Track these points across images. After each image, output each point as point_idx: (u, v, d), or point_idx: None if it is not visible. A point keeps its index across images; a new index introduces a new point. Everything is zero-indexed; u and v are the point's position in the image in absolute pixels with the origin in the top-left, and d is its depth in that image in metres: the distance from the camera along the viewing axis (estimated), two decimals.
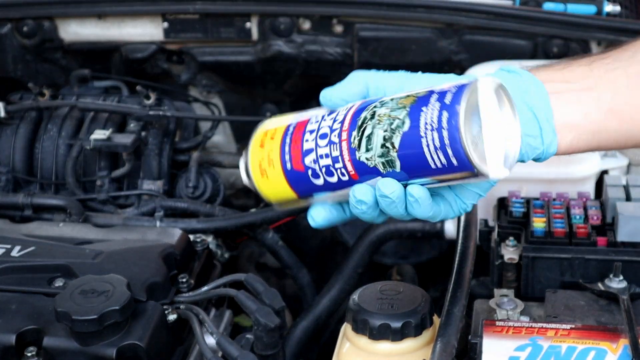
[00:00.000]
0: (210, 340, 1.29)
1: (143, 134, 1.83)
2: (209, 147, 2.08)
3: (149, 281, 1.33)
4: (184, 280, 1.40)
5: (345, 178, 0.91)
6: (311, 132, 0.93)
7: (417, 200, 0.90)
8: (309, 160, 0.92)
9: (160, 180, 1.83)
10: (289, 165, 0.94)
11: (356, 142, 0.89)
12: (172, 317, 1.33)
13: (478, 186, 0.95)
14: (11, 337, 1.21)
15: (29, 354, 1.20)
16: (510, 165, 0.88)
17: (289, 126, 0.96)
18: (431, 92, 0.86)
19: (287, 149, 0.94)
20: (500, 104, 0.88)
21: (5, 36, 2.09)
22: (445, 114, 0.82)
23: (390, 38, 2.02)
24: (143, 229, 1.60)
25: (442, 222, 1.76)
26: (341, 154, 0.90)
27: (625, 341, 1.09)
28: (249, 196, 2.20)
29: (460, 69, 1.99)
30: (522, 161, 0.95)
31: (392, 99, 0.88)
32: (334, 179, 0.92)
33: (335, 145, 0.90)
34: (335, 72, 2.05)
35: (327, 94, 0.95)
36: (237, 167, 2.00)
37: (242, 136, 2.22)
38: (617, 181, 1.48)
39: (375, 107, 0.89)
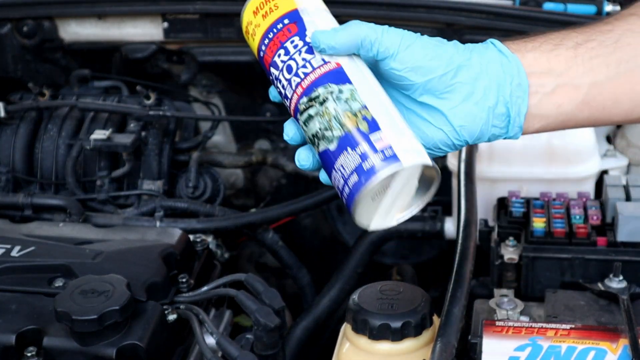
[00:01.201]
0: (210, 340, 1.29)
1: (143, 134, 1.83)
2: (209, 147, 2.08)
3: (149, 281, 1.33)
4: (184, 280, 1.40)
5: (289, 112, 0.96)
6: (286, 52, 0.94)
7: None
8: (273, 71, 0.96)
9: (160, 180, 1.83)
10: (262, 54, 0.97)
11: (302, 108, 0.92)
12: (172, 317, 1.33)
13: None
14: (11, 337, 1.21)
15: (29, 354, 1.20)
16: (397, 222, 0.93)
17: (280, 19, 0.96)
18: (367, 135, 0.87)
19: (265, 44, 0.96)
20: (423, 179, 0.91)
21: (5, 36, 2.09)
22: (354, 178, 0.87)
23: None
24: (143, 229, 1.60)
25: (442, 222, 1.76)
26: (291, 101, 0.93)
27: (625, 341, 1.09)
28: (249, 196, 2.20)
29: None
30: (486, 141, 0.97)
31: (347, 99, 0.90)
32: (284, 101, 0.96)
33: (290, 90, 0.93)
34: None
35: (318, 38, 0.92)
36: (237, 167, 2.03)
37: (242, 136, 2.22)
38: (617, 181, 1.48)
39: (331, 92, 0.90)
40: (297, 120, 0.93)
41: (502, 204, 1.50)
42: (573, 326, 1.13)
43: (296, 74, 0.93)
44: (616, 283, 1.25)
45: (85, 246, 1.45)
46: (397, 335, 1.14)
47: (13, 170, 1.83)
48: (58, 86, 2.11)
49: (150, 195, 1.80)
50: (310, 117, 0.91)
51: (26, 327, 1.23)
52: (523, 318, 1.23)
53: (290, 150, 2.15)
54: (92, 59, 2.16)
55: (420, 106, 0.93)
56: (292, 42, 0.94)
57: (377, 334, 1.14)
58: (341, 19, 0.97)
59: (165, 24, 2.08)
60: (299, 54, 0.93)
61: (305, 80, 0.92)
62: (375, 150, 0.87)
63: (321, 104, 0.90)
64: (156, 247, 1.43)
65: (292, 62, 0.93)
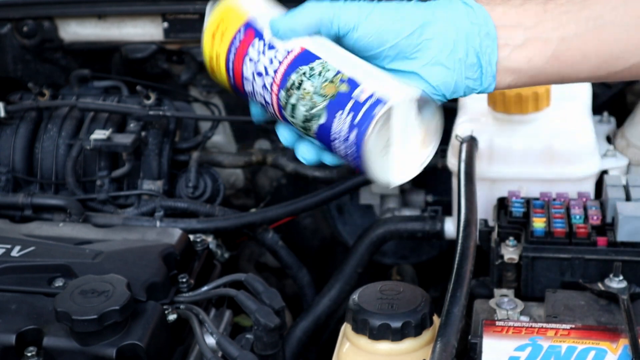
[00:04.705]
0: (210, 340, 1.29)
1: (143, 134, 1.83)
2: (209, 147, 2.08)
3: (149, 281, 1.33)
4: (184, 280, 1.40)
5: (277, 117, 0.96)
6: (251, 60, 0.94)
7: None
8: (247, 88, 0.95)
9: (160, 180, 1.83)
10: (232, 81, 0.97)
11: (283, 102, 0.92)
12: (172, 317, 1.33)
13: None
14: (11, 337, 1.21)
15: (29, 354, 1.20)
16: (421, 167, 0.93)
17: (237, 32, 0.95)
18: (350, 94, 0.88)
19: (230, 65, 0.96)
20: (422, 111, 0.91)
21: (5, 36, 2.09)
22: (354, 134, 0.87)
23: None
24: (143, 229, 1.60)
25: (442, 222, 1.76)
26: (272, 103, 0.93)
27: (625, 341, 1.09)
28: (249, 196, 2.20)
29: None
30: (462, 95, 0.97)
31: (320, 72, 0.90)
32: (268, 110, 0.96)
33: (267, 92, 0.93)
34: None
35: (276, 25, 0.92)
36: (237, 167, 2.03)
37: (242, 136, 2.22)
38: (617, 181, 1.48)
39: (304, 73, 0.90)
40: (285, 118, 0.93)
41: (502, 204, 1.50)
42: (573, 326, 1.13)
43: (267, 74, 0.92)
44: (616, 283, 1.25)
45: (85, 246, 1.45)
46: (397, 335, 1.14)
47: (13, 170, 1.83)
48: (58, 86, 2.11)
49: (150, 195, 1.80)
50: (293, 106, 0.90)
51: (26, 327, 1.23)
52: (523, 318, 1.23)
53: (290, 150, 2.15)
54: (92, 59, 2.16)
55: (394, 73, 0.93)
56: (253, 45, 0.93)
57: (377, 334, 1.14)
58: None
59: (165, 24, 2.08)
60: (263, 55, 0.92)
61: (277, 75, 0.91)
62: (361, 102, 0.86)
63: (298, 88, 0.90)
64: (156, 247, 1.43)
65: (259, 66, 0.93)
